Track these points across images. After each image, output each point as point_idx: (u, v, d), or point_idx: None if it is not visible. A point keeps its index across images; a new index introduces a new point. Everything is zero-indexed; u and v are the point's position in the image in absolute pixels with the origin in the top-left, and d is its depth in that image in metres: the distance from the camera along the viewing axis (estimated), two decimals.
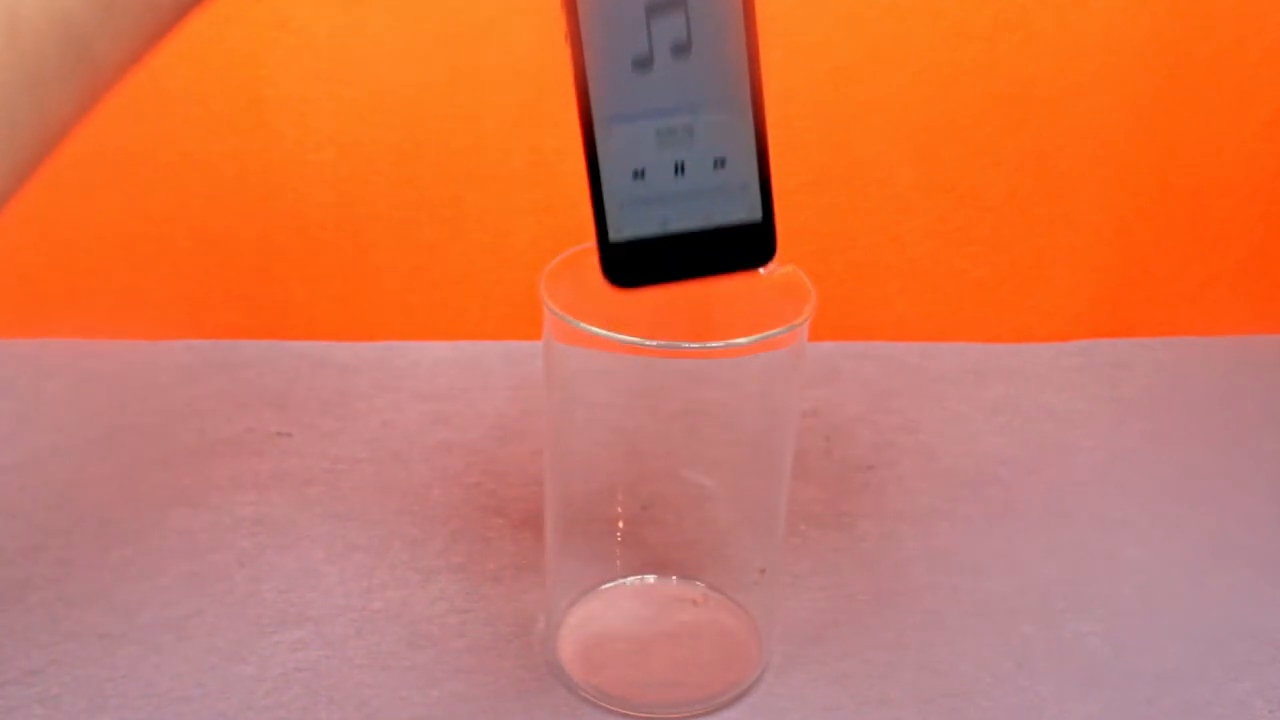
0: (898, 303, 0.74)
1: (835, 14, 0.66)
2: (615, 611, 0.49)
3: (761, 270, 0.44)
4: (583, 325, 0.39)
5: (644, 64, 0.38)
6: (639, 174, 0.39)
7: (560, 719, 0.44)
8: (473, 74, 0.66)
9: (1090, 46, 0.68)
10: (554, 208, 0.68)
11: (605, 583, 0.50)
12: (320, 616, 0.48)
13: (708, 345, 0.40)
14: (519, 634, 0.48)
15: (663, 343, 0.39)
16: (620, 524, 0.49)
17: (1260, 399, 0.69)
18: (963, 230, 0.73)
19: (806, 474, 0.60)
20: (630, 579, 0.50)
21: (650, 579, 0.50)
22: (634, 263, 0.40)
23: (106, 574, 0.51)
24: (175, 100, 0.66)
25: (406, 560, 0.52)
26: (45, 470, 0.58)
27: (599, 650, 0.47)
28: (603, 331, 0.38)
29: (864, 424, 0.65)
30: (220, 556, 0.52)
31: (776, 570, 0.47)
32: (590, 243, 0.45)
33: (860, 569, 0.53)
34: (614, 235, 0.39)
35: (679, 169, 0.39)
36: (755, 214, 0.40)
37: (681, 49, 0.38)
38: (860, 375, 0.71)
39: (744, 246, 0.40)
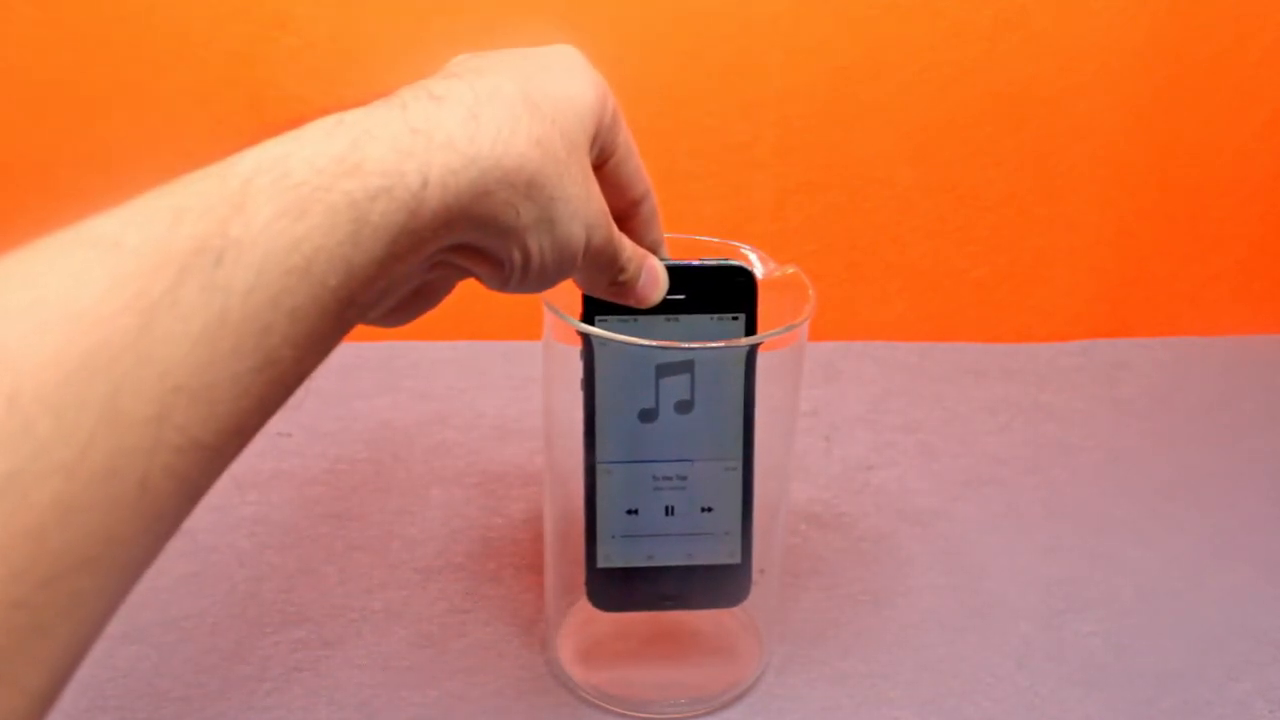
0: (898, 303, 0.74)
1: (835, 14, 0.66)
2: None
3: (760, 276, 0.45)
4: (583, 325, 0.39)
5: (649, 417, 0.41)
6: (632, 511, 0.42)
7: (560, 719, 0.44)
8: None
9: (1090, 46, 0.68)
10: None
11: None
12: (320, 616, 0.48)
13: (708, 345, 0.40)
14: (519, 634, 0.48)
15: (663, 343, 0.39)
16: None
17: (1260, 399, 0.69)
18: (963, 230, 0.73)
19: (806, 474, 0.60)
20: None
21: None
22: (617, 589, 0.43)
23: None
24: (175, 100, 0.66)
25: (406, 560, 0.52)
26: None
27: (599, 650, 0.47)
28: (603, 332, 0.38)
29: (864, 424, 0.65)
30: (220, 556, 0.52)
31: (776, 570, 0.47)
32: None
33: (860, 569, 0.53)
34: (601, 562, 0.43)
35: (669, 511, 0.42)
36: (735, 558, 0.43)
37: (684, 406, 0.41)
38: (860, 375, 0.71)
39: (721, 585, 0.44)
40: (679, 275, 0.39)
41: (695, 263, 0.40)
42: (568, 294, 0.42)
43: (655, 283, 0.37)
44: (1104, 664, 0.47)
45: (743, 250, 0.45)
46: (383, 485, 0.58)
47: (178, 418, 0.21)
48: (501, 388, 0.67)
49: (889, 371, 0.71)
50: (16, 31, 0.64)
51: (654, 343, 0.38)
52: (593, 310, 0.40)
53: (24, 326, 0.19)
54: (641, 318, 0.40)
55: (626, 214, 0.36)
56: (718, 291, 0.40)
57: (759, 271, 0.45)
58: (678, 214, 0.71)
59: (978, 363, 0.72)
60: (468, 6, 0.64)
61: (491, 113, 0.27)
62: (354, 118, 0.25)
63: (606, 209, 0.32)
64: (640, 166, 0.35)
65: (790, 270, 0.44)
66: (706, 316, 0.40)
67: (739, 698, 0.45)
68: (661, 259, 0.38)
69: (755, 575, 0.45)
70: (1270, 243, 0.75)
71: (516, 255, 0.29)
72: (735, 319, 0.40)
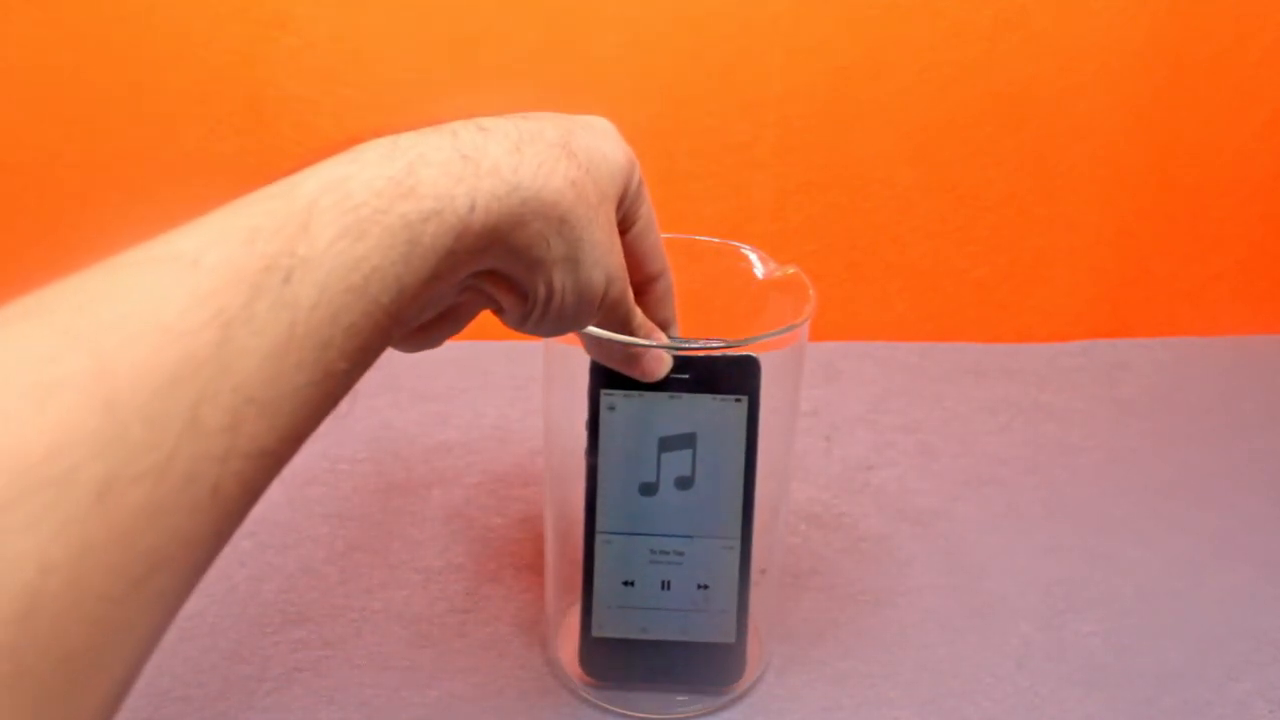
0: (898, 303, 0.74)
1: (835, 14, 0.66)
2: None
3: (760, 276, 0.45)
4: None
5: (650, 490, 0.42)
6: (629, 583, 0.43)
7: (560, 719, 0.44)
8: (473, 74, 0.66)
9: (1090, 46, 0.68)
10: None
11: None
12: (320, 616, 0.48)
13: (708, 345, 0.40)
14: (519, 634, 0.48)
15: (663, 343, 0.39)
16: None
17: (1260, 399, 0.69)
18: (963, 230, 0.73)
19: (806, 474, 0.60)
20: None
21: None
22: (610, 659, 0.44)
23: None
24: (175, 100, 0.66)
25: (406, 560, 0.52)
26: None
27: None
28: (603, 332, 0.38)
29: (864, 424, 0.65)
30: (220, 557, 0.52)
31: (776, 570, 0.47)
32: None
33: (860, 569, 0.53)
34: (595, 631, 0.43)
35: (665, 585, 0.43)
36: (729, 637, 0.44)
37: (685, 482, 0.42)
38: (860, 375, 0.71)
39: (715, 664, 0.44)
40: (688, 358, 0.40)
41: (701, 346, 0.40)
42: None
43: (660, 359, 0.39)
44: (1104, 664, 0.47)
45: (743, 250, 0.45)
46: (383, 485, 0.58)
47: (248, 427, 0.22)
48: (502, 388, 0.67)
49: (889, 371, 0.71)
50: (16, 31, 0.64)
51: (654, 343, 0.38)
52: (599, 384, 0.41)
53: (117, 338, 0.20)
54: (646, 393, 0.41)
55: (642, 289, 0.38)
56: (723, 375, 0.41)
57: (759, 272, 0.45)
58: (678, 214, 0.71)
59: (978, 363, 0.72)
60: (468, 7, 0.64)
61: (534, 150, 0.29)
62: (408, 142, 0.27)
63: (625, 267, 0.34)
64: (659, 243, 0.37)
65: (790, 270, 0.44)
66: (709, 396, 0.41)
67: (739, 698, 0.45)
68: (672, 338, 0.39)
69: (755, 576, 0.45)
70: (1270, 243, 0.75)
71: (541, 289, 0.31)
72: (739, 400, 0.41)
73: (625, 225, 0.35)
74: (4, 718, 0.18)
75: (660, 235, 0.37)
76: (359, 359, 0.25)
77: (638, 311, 0.36)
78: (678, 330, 0.40)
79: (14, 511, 0.18)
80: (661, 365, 0.39)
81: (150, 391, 0.20)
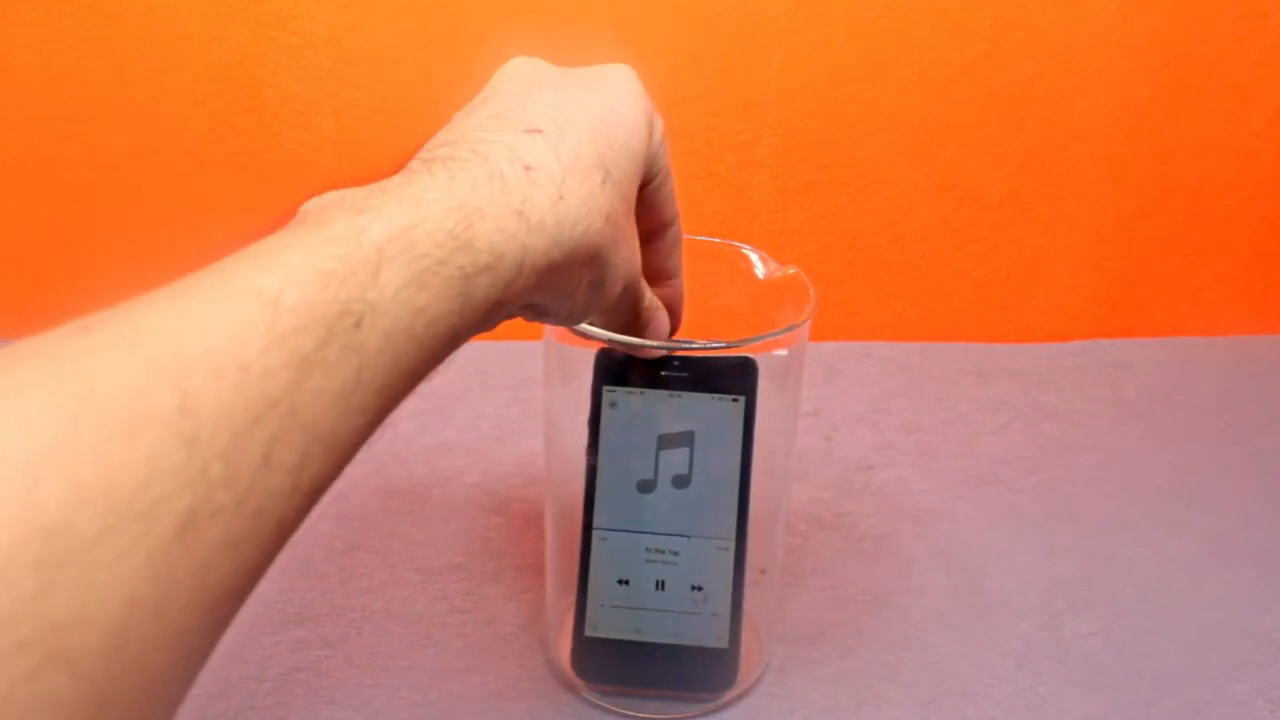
0: (898, 303, 0.74)
1: (835, 14, 0.66)
2: None
3: (761, 276, 0.45)
4: (582, 325, 0.39)
5: (647, 488, 0.42)
6: (623, 582, 0.43)
7: (560, 719, 0.44)
8: (473, 74, 0.66)
9: (1090, 46, 0.68)
10: None
11: None
12: (320, 616, 0.48)
13: (708, 345, 0.40)
14: (519, 634, 0.48)
15: (663, 343, 0.39)
16: None
17: (1260, 399, 0.69)
18: (963, 230, 0.73)
19: (806, 474, 0.60)
20: None
21: None
22: (602, 661, 0.44)
23: None
24: (175, 100, 0.66)
25: (406, 560, 0.52)
26: None
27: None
28: (603, 332, 0.38)
29: (864, 424, 0.65)
30: None
31: (776, 570, 0.47)
32: None
33: (860, 569, 0.53)
34: (589, 631, 0.43)
35: (660, 585, 0.43)
36: (723, 642, 0.44)
37: (682, 480, 0.42)
38: (860, 375, 0.71)
39: (707, 669, 0.44)
40: (687, 359, 0.41)
41: (701, 346, 0.41)
42: None
43: (661, 328, 0.39)
44: (1104, 664, 0.47)
45: (743, 250, 0.45)
46: (383, 485, 0.58)
47: (313, 465, 0.23)
48: (502, 388, 0.67)
49: (889, 371, 0.71)
50: (16, 31, 0.64)
51: (653, 344, 0.38)
52: (602, 381, 0.42)
53: (202, 375, 0.21)
54: (646, 391, 0.42)
55: (653, 235, 0.38)
56: (722, 375, 0.42)
57: (759, 272, 0.45)
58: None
59: (978, 363, 0.72)
60: (468, 7, 0.64)
61: (574, 189, 0.29)
62: (464, 190, 0.27)
63: (639, 260, 0.35)
64: (673, 192, 0.37)
65: (790, 270, 0.44)
66: (708, 395, 0.42)
67: (739, 698, 0.45)
68: (672, 339, 0.40)
69: (755, 576, 0.45)
70: (1271, 243, 0.75)
71: (564, 309, 0.32)
72: (735, 400, 0.42)
73: (645, 180, 0.35)
74: None
75: (674, 183, 0.37)
76: (404, 397, 0.27)
77: (648, 293, 0.37)
78: (682, 282, 0.40)
79: (105, 544, 0.18)
80: (661, 334, 0.39)
81: (231, 431, 0.21)
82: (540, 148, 0.30)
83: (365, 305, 0.24)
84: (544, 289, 0.29)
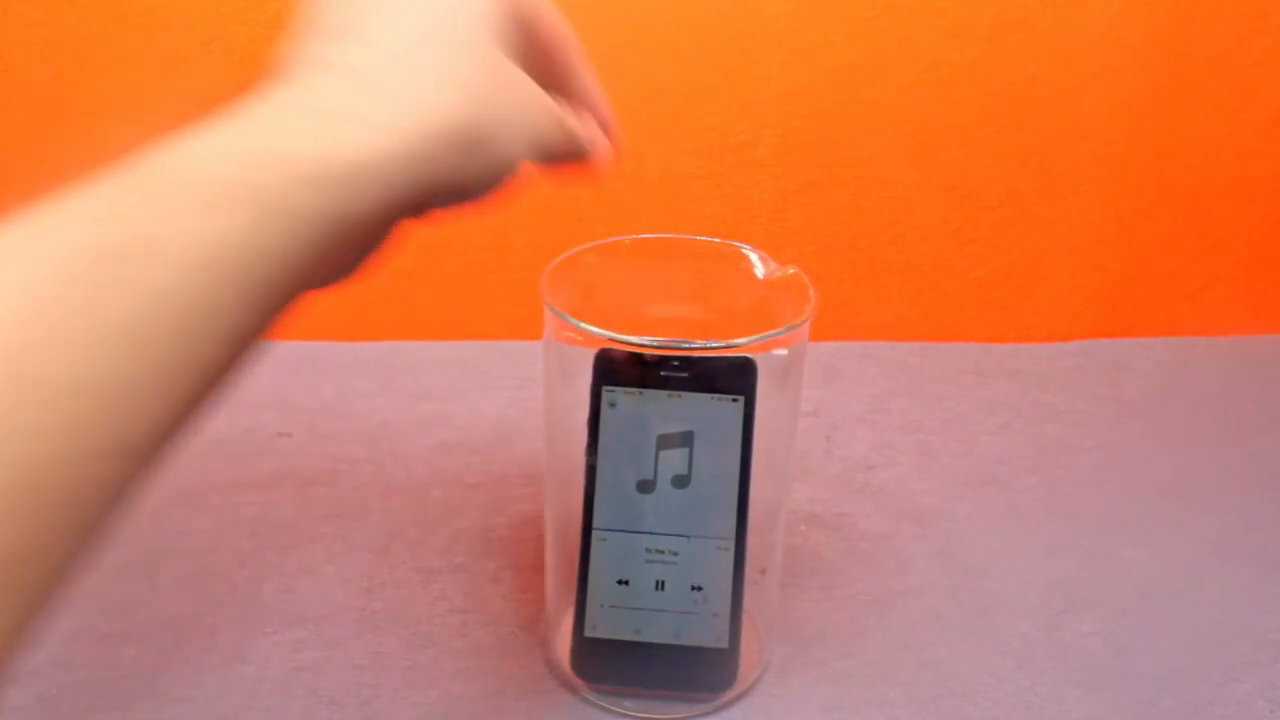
0: (898, 303, 0.74)
1: (835, 14, 0.66)
2: None
3: (761, 276, 0.45)
4: (583, 325, 0.39)
5: (647, 488, 0.42)
6: (623, 582, 0.43)
7: (560, 719, 0.44)
8: None
9: (1090, 46, 0.68)
10: (554, 208, 0.68)
11: None
12: (320, 616, 0.48)
13: (708, 345, 0.40)
14: (519, 634, 0.48)
15: (663, 342, 0.39)
16: None
17: (1260, 399, 0.69)
18: (963, 230, 0.73)
19: (806, 474, 0.60)
20: None
21: None
22: (602, 661, 0.44)
23: (106, 574, 0.51)
24: (175, 100, 0.66)
25: (406, 560, 0.52)
26: None
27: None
28: (603, 331, 0.38)
29: (864, 424, 0.65)
30: (220, 556, 0.52)
31: (776, 570, 0.47)
32: (591, 243, 0.45)
33: (860, 569, 0.53)
34: (589, 631, 0.43)
35: (659, 585, 0.43)
36: (722, 642, 0.44)
37: (681, 481, 0.42)
38: (860, 375, 0.71)
39: (707, 669, 0.44)
40: (687, 358, 0.41)
41: (701, 346, 0.41)
42: (567, 294, 0.42)
43: (603, 154, 0.36)
44: (1104, 664, 0.47)
45: (743, 250, 0.45)
46: (383, 485, 0.58)
47: (101, 424, 0.21)
48: (501, 388, 0.67)
49: (889, 371, 0.71)
50: (16, 31, 0.64)
51: (652, 344, 0.38)
52: (602, 381, 0.42)
53: None
54: (645, 391, 0.42)
55: (549, 58, 0.34)
56: (721, 374, 0.42)
57: (759, 272, 0.45)
58: (678, 214, 0.71)
59: (978, 363, 0.72)
60: None
61: (408, 76, 0.27)
62: (267, 110, 0.26)
63: (549, 106, 0.32)
64: (553, 9, 0.34)
65: (790, 271, 0.44)
66: (708, 395, 0.42)
67: (739, 698, 0.45)
68: (671, 339, 0.40)
69: (755, 576, 0.45)
70: (1270, 243, 0.75)
71: (466, 197, 0.29)
72: (735, 400, 0.42)
73: (513, 15, 0.31)
74: None
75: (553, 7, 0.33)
76: (234, 339, 0.24)
77: (571, 124, 0.34)
78: (609, 108, 0.36)
79: None
80: (608, 148, 0.36)
81: None
82: (359, 49, 0.28)
83: (149, 242, 0.22)
84: (429, 181, 0.27)
